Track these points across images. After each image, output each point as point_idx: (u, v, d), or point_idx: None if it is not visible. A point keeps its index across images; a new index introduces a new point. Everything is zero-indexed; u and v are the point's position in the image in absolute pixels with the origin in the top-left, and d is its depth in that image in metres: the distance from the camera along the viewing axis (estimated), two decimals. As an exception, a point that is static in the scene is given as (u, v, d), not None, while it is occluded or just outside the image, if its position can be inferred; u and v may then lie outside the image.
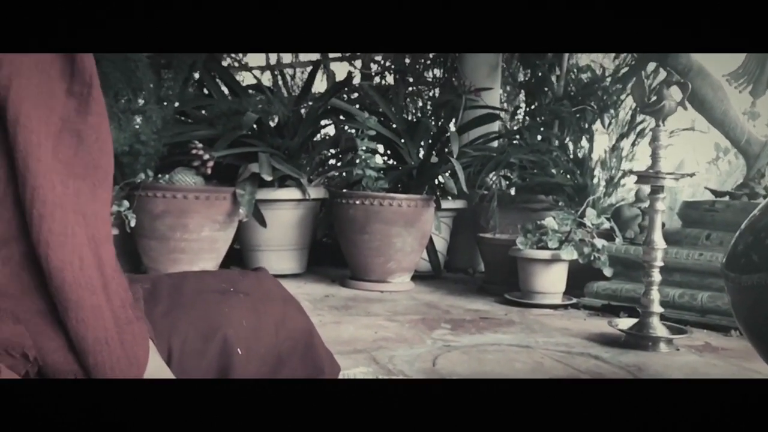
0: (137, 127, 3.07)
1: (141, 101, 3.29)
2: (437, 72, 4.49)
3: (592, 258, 2.85)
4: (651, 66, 3.40)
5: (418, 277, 3.45)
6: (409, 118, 4.33)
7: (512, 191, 3.79)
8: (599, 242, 2.86)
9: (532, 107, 3.97)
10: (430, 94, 4.50)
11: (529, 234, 2.92)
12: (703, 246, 2.73)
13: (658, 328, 2.19)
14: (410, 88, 4.32)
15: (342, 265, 3.54)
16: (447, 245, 3.82)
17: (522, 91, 4.12)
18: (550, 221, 2.94)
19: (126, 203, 2.82)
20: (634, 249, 2.84)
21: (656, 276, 2.19)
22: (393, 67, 4.54)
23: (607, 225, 2.91)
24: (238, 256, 3.54)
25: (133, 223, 2.81)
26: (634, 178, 3.40)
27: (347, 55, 4.38)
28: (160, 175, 2.95)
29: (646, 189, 3.02)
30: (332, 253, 3.84)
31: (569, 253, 2.81)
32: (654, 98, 2.16)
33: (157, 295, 0.97)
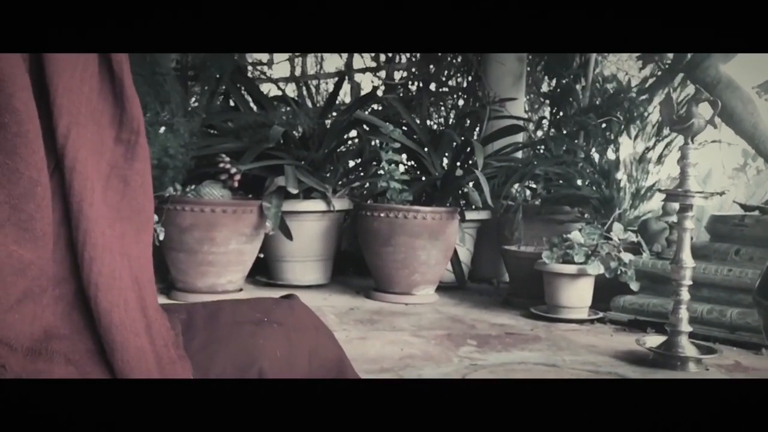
0: (165, 140, 3.11)
1: (168, 114, 3.34)
2: (461, 80, 4.48)
3: (618, 272, 2.84)
4: (678, 78, 3.38)
5: (442, 288, 3.45)
6: (433, 127, 4.34)
7: (537, 201, 3.78)
8: (626, 256, 2.84)
9: (558, 117, 3.96)
10: (454, 100, 4.50)
11: (555, 248, 2.91)
12: (732, 261, 2.69)
13: (687, 348, 2.17)
14: (433, 98, 4.33)
15: (366, 275, 3.56)
16: (471, 256, 3.81)
17: (547, 101, 4.11)
18: (576, 235, 2.92)
19: (155, 217, 2.86)
20: (662, 264, 2.82)
21: (685, 295, 2.17)
22: (416, 72, 4.54)
23: (633, 239, 2.89)
24: (264, 265, 3.57)
25: (161, 237, 2.85)
26: (661, 189, 3.38)
27: (372, 66, 4.40)
28: (188, 189, 2.99)
29: (674, 203, 3.00)
30: (356, 262, 3.86)
31: (595, 268, 2.80)
32: (682, 114, 2.15)
33: (193, 327, 1.00)
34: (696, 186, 2.10)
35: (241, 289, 3.17)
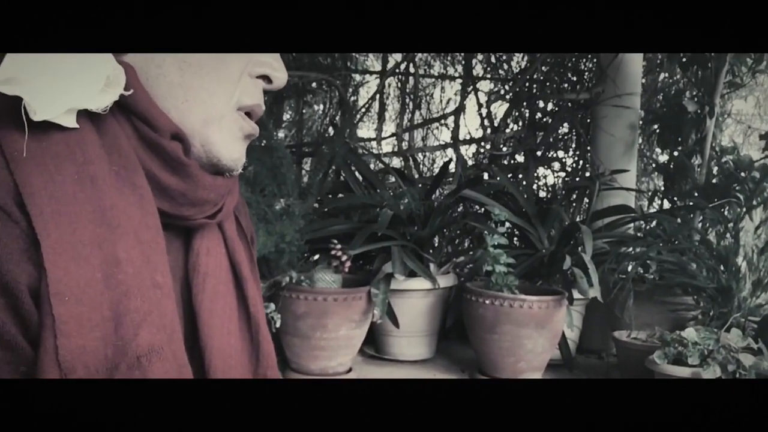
0: (282, 227, 3.31)
1: (285, 196, 3.55)
2: (569, 144, 4.43)
3: (737, 375, 2.71)
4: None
5: (549, 366, 3.41)
6: (540, 195, 4.32)
7: (649, 275, 3.67)
8: (746, 359, 2.71)
9: (672, 190, 3.83)
10: (562, 169, 4.46)
11: (668, 346, 2.82)
12: None
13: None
14: (539, 167, 4.31)
15: (469, 343, 3.55)
16: (579, 332, 3.75)
17: (660, 175, 3.98)
18: (690, 333, 2.82)
19: (272, 306, 3.06)
20: (786, 370, 2.67)
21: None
22: (522, 138, 4.54)
23: (754, 345, 2.75)
24: (372, 338, 3.70)
25: (278, 324, 3.04)
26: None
27: (477, 137, 4.45)
28: (303, 277, 3.17)
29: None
30: (460, 330, 3.87)
31: (711, 373, 2.69)
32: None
33: None
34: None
35: (350, 369, 3.31)
